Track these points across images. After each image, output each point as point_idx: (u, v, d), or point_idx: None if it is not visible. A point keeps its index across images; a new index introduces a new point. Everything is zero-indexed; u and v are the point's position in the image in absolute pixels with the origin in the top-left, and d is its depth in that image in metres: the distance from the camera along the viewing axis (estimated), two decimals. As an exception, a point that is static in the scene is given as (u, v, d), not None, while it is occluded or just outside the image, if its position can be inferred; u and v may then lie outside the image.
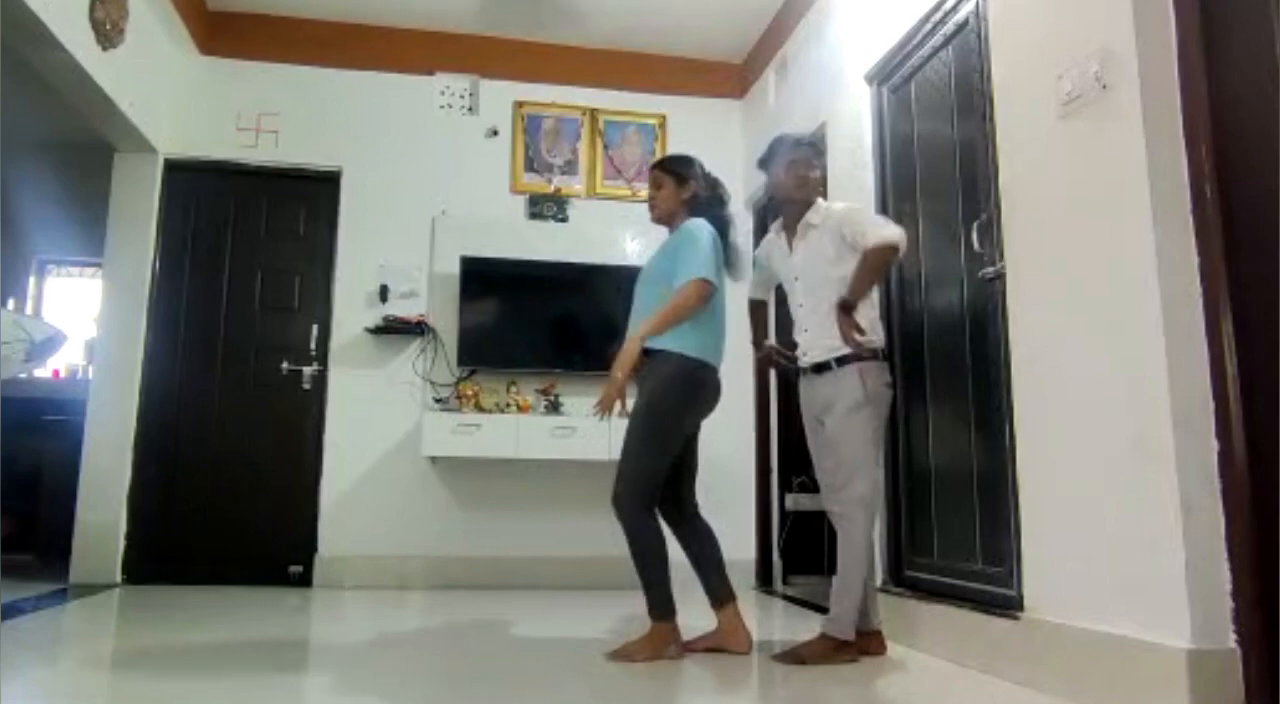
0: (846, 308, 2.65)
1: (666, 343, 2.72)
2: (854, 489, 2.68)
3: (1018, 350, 2.52)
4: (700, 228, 2.79)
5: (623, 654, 2.62)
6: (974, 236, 2.76)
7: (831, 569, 3.61)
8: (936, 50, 3.08)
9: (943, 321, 2.99)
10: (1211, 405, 1.97)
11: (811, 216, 2.87)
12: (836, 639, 2.66)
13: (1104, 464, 2.15)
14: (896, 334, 3.29)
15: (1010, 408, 2.53)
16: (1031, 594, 2.40)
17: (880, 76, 3.48)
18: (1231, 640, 1.89)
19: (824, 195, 3.02)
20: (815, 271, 2.84)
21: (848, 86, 3.71)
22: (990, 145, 2.69)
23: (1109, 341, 2.16)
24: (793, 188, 2.89)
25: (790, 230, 2.95)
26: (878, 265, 2.68)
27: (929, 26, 3.10)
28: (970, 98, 2.84)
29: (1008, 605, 2.48)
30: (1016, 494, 2.48)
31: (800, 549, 4.84)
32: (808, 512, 4.88)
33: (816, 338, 2.82)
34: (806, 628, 3.45)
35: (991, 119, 2.69)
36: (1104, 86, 2.21)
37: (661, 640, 2.65)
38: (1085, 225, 2.27)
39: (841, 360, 2.74)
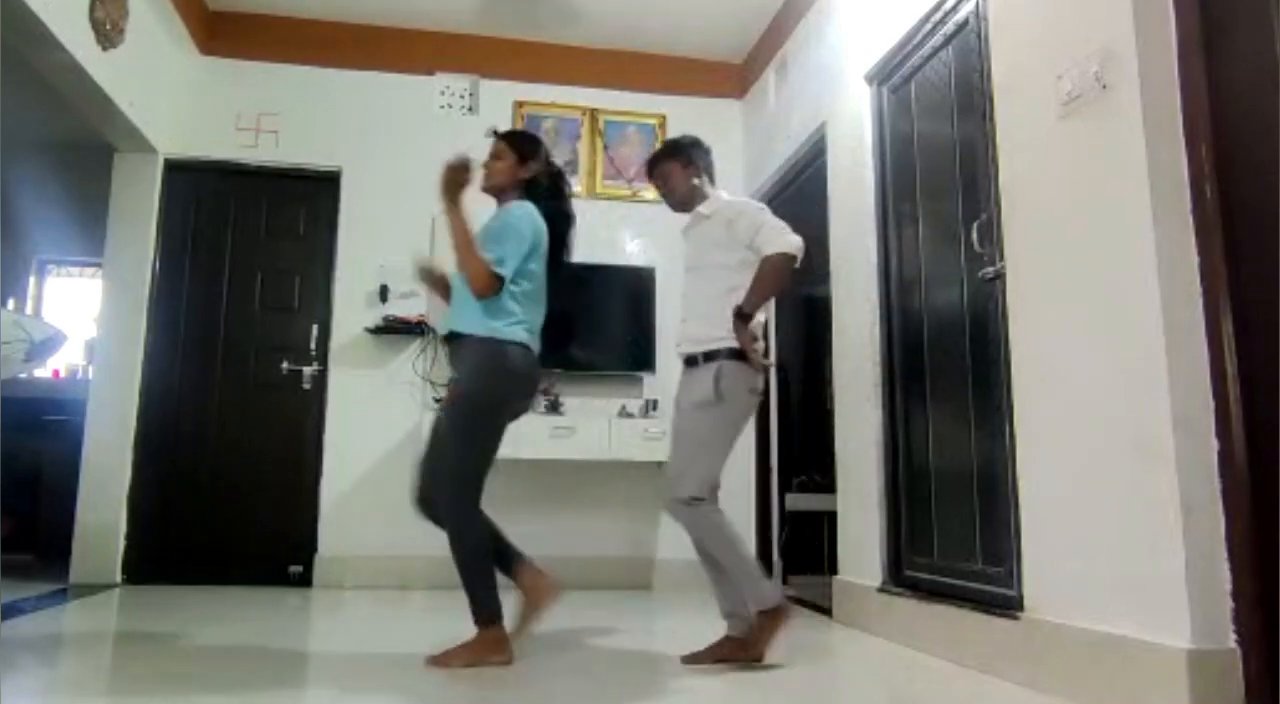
0: (743, 318, 2.57)
1: (475, 327, 2.59)
2: (680, 489, 2.59)
3: (1018, 350, 2.52)
4: (526, 216, 2.67)
5: (441, 661, 2.44)
6: (974, 236, 2.75)
7: (832, 569, 3.62)
8: (936, 50, 3.08)
9: (943, 321, 2.99)
10: (1211, 405, 1.97)
11: (702, 208, 2.81)
12: (769, 610, 2.57)
13: (1104, 464, 2.15)
14: (896, 334, 3.29)
15: (1010, 408, 2.53)
16: (1031, 594, 2.40)
17: (880, 76, 3.48)
18: (1231, 640, 1.89)
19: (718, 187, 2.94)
20: (701, 259, 2.77)
21: (848, 86, 3.71)
22: (990, 145, 2.69)
23: (1109, 341, 2.16)
24: (664, 194, 2.90)
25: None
26: (776, 276, 2.64)
27: (929, 26, 3.10)
28: (970, 98, 2.84)
29: (1008, 605, 2.48)
30: (1016, 494, 2.48)
31: (800, 549, 4.84)
32: (807, 512, 4.89)
33: (692, 329, 2.75)
34: (806, 628, 3.45)
35: (991, 119, 2.69)
36: (1104, 86, 2.21)
37: (487, 647, 2.47)
38: (1085, 225, 2.27)
39: (709, 356, 2.65)
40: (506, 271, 2.58)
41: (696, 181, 2.84)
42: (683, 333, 2.81)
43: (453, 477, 2.52)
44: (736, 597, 2.62)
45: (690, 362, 2.74)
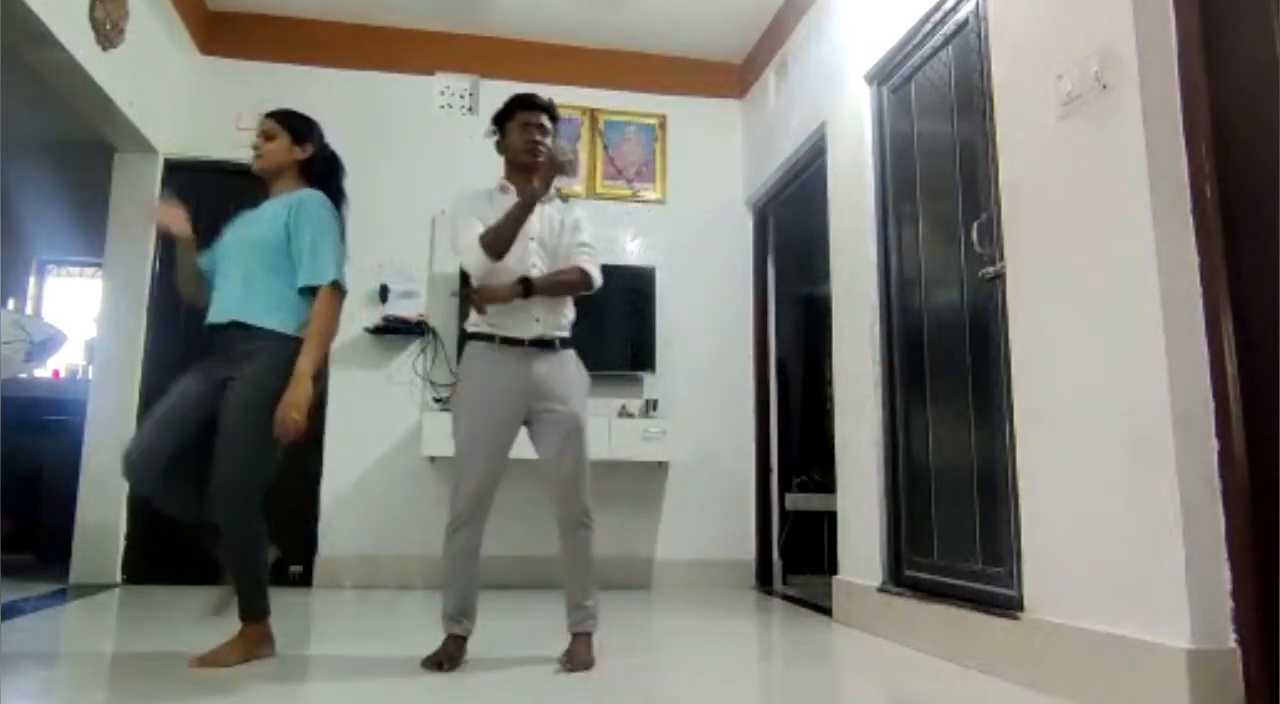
0: (528, 289, 2.53)
1: (266, 320, 2.49)
2: (587, 498, 2.69)
3: (1018, 350, 2.52)
4: (327, 209, 2.65)
5: (211, 660, 2.38)
6: (974, 236, 2.76)
7: (833, 569, 3.62)
8: (936, 50, 3.08)
9: (943, 321, 2.99)
10: (1211, 405, 1.97)
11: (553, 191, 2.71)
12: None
13: (1104, 464, 2.15)
14: (896, 334, 3.29)
15: (1010, 408, 2.53)
16: (1031, 594, 2.40)
17: (880, 76, 3.48)
18: (1231, 640, 1.89)
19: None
20: (559, 240, 2.70)
21: (848, 86, 3.71)
22: (990, 145, 2.69)
23: (1109, 341, 2.16)
24: (522, 151, 2.71)
25: (519, 190, 2.66)
26: (567, 288, 2.65)
27: (929, 26, 3.10)
28: (970, 98, 2.84)
29: (1008, 605, 2.48)
30: (1016, 494, 2.48)
31: (800, 549, 4.84)
32: (807, 512, 4.89)
33: (548, 311, 2.62)
34: (806, 628, 3.45)
35: (991, 119, 2.69)
36: (1104, 86, 2.21)
37: (255, 642, 2.46)
38: (1085, 225, 2.27)
39: (565, 342, 2.65)
40: (341, 276, 2.61)
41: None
42: (543, 309, 2.61)
43: (245, 472, 2.42)
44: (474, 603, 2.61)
45: (545, 344, 2.60)
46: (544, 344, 2.61)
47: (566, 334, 2.69)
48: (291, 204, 2.63)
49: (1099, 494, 2.17)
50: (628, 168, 5.04)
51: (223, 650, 2.42)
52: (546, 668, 2.55)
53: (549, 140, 2.72)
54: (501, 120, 2.82)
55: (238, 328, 2.49)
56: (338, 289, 2.57)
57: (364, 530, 4.44)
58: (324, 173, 2.78)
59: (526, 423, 2.62)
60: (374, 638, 3.17)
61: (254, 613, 2.48)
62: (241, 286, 2.55)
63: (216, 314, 2.55)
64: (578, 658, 2.52)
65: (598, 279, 2.70)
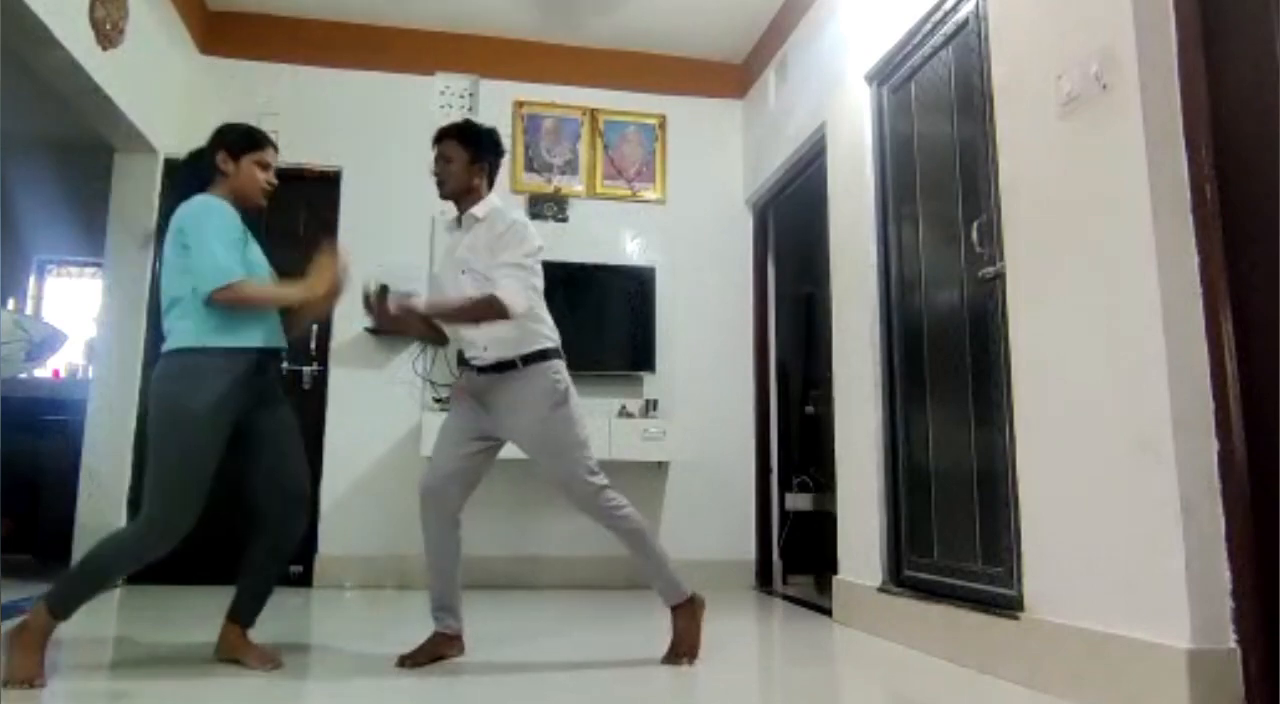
0: (425, 315, 2.61)
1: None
2: (593, 477, 2.65)
3: (1018, 350, 2.52)
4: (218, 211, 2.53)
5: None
6: (974, 236, 2.76)
7: (833, 569, 3.62)
8: (936, 50, 3.08)
9: (943, 321, 2.99)
10: (1211, 405, 1.97)
11: (477, 210, 2.67)
12: (684, 601, 2.64)
13: (1104, 464, 2.15)
14: (896, 334, 3.29)
15: (1010, 408, 2.53)
16: (1031, 594, 2.40)
17: (880, 76, 3.48)
18: (1231, 640, 1.89)
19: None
20: (472, 263, 2.63)
21: (848, 86, 3.71)
22: (990, 145, 2.69)
23: (1109, 341, 2.16)
24: (438, 172, 2.71)
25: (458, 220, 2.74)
26: (480, 317, 2.52)
27: (929, 26, 3.10)
28: (970, 98, 2.84)
29: (1008, 605, 2.48)
30: (1016, 494, 2.48)
31: (800, 549, 4.84)
32: (807, 512, 4.89)
33: (500, 332, 2.58)
34: (806, 628, 3.45)
35: (991, 119, 2.69)
36: (1104, 86, 2.21)
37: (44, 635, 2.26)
38: (1085, 225, 2.27)
39: (530, 358, 2.60)
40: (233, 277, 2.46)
41: (478, 181, 2.70)
42: (487, 337, 2.60)
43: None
44: (451, 598, 2.67)
45: (504, 367, 2.61)
46: (502, 367, 2.62)
47: (526, 350, 2.61)
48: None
49: (1099, 494, 2.16)
50: (628, 168, 5.04)
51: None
52: (541, 667, 2.55)
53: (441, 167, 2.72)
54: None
55: (278, 355, 2.64)
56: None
57: (364, 530, 4.43)
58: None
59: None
60: (375, 637, 3.17)
61: (65, 612, 2.30)
62: (275, 314, 2.65)
63: (273, 340, 2.62)
64: (675, 634, 2.62)
65: (509, 305, 2.47)
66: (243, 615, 2.52)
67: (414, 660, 2.50)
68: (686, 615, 2.63)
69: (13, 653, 2.17)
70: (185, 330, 2.46)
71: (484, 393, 2.66)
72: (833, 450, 3.73)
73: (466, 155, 2.68)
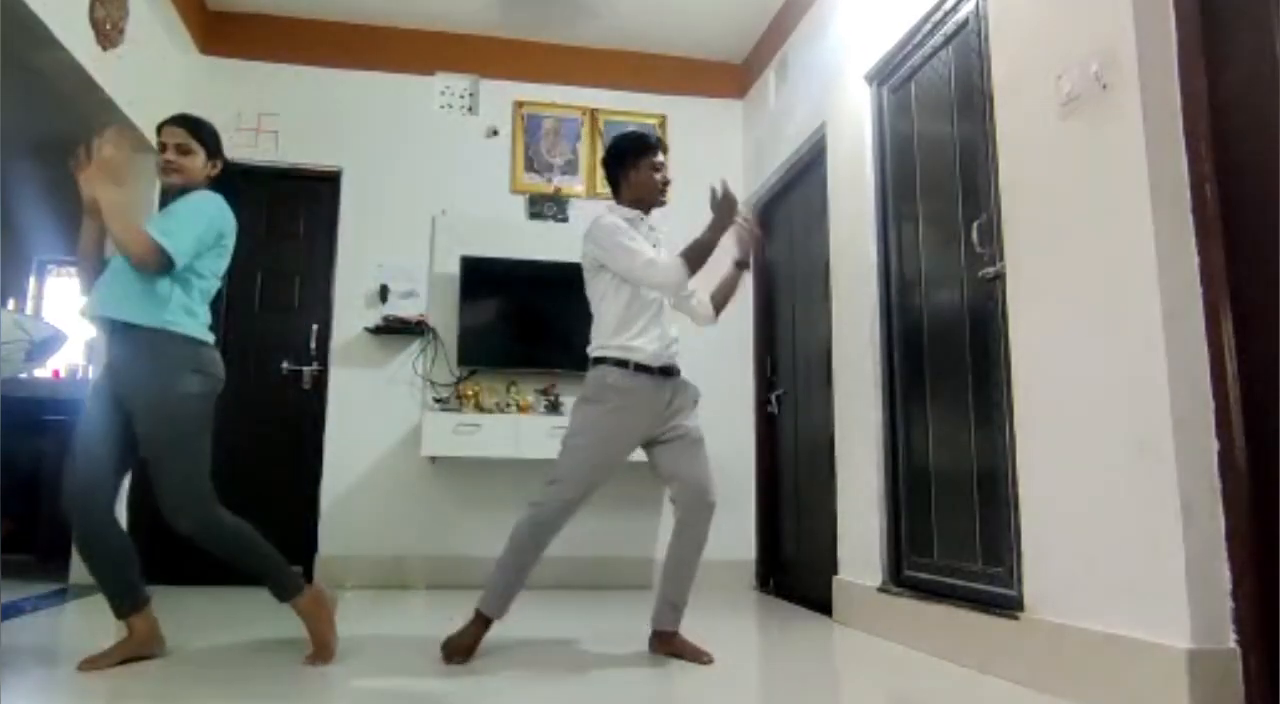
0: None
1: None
2: (714, 493, 2.76)
3: (1018, 350, 2.52)
4: (216, 205, 2.60)
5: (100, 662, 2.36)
6: (974, 236, 2.76)
7: (833, 569, 3.62)
8: (936, 50, 3.08)
9: (943, 321, 2.99)
10: (1211, 405, 1.97)
11: (653, 218, 2.92)
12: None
13: (1104, 464, 2.15)
14: (896, 334, 3.29)
15: (1010, 408, 2.53)
16: (1031, 594, 2.40)
17: (880, 76, 3.48)
18: (1231, 640, 1.89)
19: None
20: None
21: (848, 86, 3.71)
22: (990, 145, 2.69)
23: (1109, 341, 2.16)
24: (657, 191, 2.90)
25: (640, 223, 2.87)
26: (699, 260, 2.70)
27: (929, 26, 3.10)
28: (970, 98, 2.84)
29: (1008, 605, 2.48)
30: (1016, 494, 2.48)
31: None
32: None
33: (670, 334, 2.79)
34: (806, 628, 3.45)
35: (991, 119, 2.69)
36: (1104, 86, 2.21)
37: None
38: (1085, 225, 2.27)
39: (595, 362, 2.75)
40: (178, 253, 2.38)
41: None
42: (666, 341, 2.76)
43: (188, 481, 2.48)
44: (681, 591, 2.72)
45: (668, 372, 2.77)
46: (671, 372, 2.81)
47: (597, 353, 2.74)
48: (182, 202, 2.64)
49: (1099, 494, 2.17)
50: (628, 168, 5.04)
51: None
52: (550, 666, 2.55)
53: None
54: (626, 157, 2.90)
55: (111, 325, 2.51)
56: (160, 251, 2.39)
57: (364, 530, 4.44)
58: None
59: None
60: (375, 637, 3.17)
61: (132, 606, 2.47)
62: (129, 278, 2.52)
63: (99, 306, 2.52)
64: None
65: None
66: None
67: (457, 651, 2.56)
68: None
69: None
70: (171, 308, 2.52)
71: (673, 399, 2.75)
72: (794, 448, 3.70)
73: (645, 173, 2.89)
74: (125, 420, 2.43)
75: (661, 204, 2.92)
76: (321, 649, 2.53)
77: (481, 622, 2.60)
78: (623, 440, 2.67)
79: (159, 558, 4.24)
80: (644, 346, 2.68)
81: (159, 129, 2.64)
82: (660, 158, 2.88)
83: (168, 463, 2.43)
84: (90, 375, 4.77)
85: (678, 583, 2.71)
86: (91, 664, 2.35)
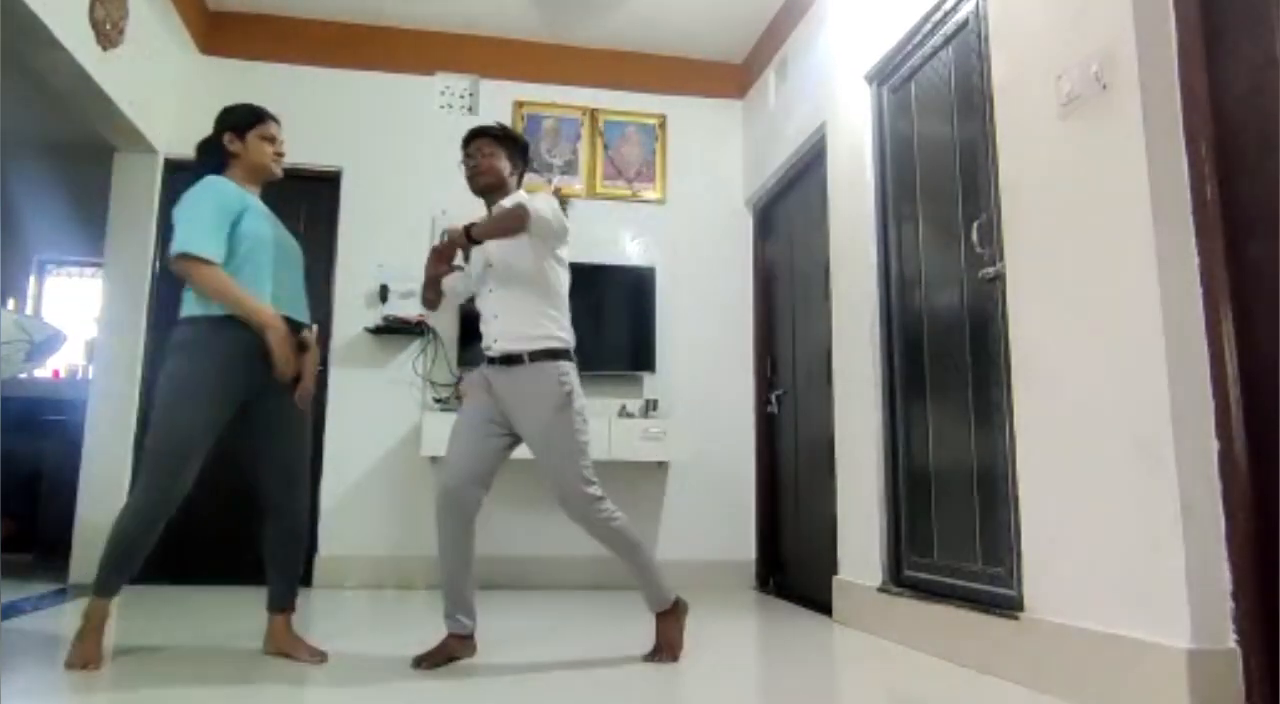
0: (470, 238, 2.52)
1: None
2: (589, 487, 2.68)
3: (1018, 350, 2.52)
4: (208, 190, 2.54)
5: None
6: (974, 236, 2.76)
7: (833, 569, 3.62)
8: (936, 50, 3.08)
9: (943, 321, 2.99)
10: (1211, 405, 1.97)
11: (505, 201, 2.74)
12: (670, 609, 2.69)
13: (1104, 464, 2.15)
14: (896, 334, 3.29)
15: (1010, 408, 2.53)
16: (1031, 594, 2.40)
17: (880, 76, 3.48)
18: (1231, 640, 1.89)
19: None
20: (506, 259, 2.67)
21: (848, 86, 3.71)
22: (990, 145, 2.69)
23: (1109, 341, 2.16)
24: (467, 179, 2.80)
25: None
26: (508, 225, 2.52)
27: (929, 26, 3.10)
28: (970, 98, 2.84)
29: (1008, 605, 2.48)
30: (1016, 494, 2.48)
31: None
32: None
33: (513, 326, 2.65)
34: (806, 628, 3.45)
35: (991, 119, 2.69)
36: (1104, 86, 2.21)
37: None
38: (1085, 225, 2.27)
39: (534, 355, 2.61)
40: (181, 244, 2.40)
41: (512, 178, 2.81)
42: (499, 329, 2.67)
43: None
44: (465, 599, 2.65)
45: (511, 360, 2.63)
46: (510, 360, 2.64)
47: (535, 347, 2.62)
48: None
49: (1099, 494, 2.17)
50: (628, 168, 5.05)
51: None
52: (548, 666, 2.55)
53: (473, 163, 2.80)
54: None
55: (293, 326, 2.60)
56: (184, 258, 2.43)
57: (364, 530, 4.44)
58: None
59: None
60: (375, 637, 3.17)
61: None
62: (293, 284, 2.68)
63: (286, 309, 2.60)
64: (659, 636, 2.68)
65: (538, 211, 2.50)
66: (279, 601, 2.58)
67: (430, 662, 2.50)
68: (670, 620, 2.69)
69: (76, 640, 2.38)
70: (186, 298, 2.50)
71: (493, 385, 2.68)
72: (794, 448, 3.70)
73: (505, 155, 2.79)
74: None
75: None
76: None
77: None
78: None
79: (158, 557, 4.25)
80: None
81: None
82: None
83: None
84: (90, 375, 4.77)
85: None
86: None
